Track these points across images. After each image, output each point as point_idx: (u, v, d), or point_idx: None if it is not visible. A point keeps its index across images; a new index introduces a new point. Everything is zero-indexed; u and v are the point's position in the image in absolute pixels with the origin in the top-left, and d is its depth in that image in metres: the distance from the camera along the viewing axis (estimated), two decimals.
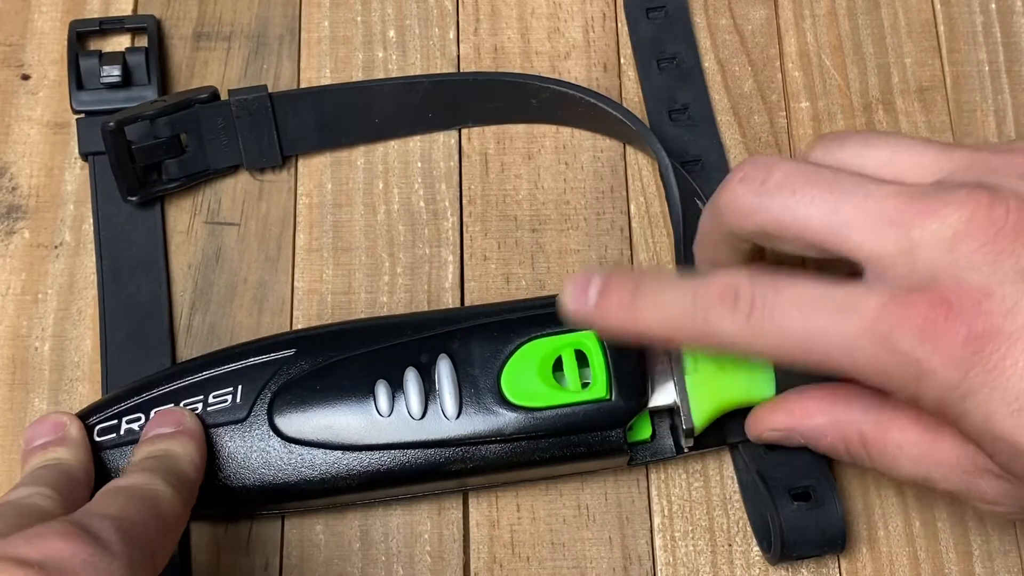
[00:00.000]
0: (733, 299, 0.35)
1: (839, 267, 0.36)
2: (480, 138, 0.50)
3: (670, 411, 0.43)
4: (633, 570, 0.44)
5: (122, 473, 0.40)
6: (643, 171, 0.49)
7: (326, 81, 0.51)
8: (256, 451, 0.41)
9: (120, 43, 0.51)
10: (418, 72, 0.51)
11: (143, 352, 0.46)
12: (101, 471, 0.41)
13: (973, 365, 0.31)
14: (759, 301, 0.35)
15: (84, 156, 0.49)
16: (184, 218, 0.49)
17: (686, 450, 0.43)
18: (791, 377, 0.41)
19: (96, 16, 0.51)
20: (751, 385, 0.42)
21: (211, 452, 0.41)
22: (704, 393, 0.42)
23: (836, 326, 0.33)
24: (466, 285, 0.48)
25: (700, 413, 0.42)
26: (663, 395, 0.42)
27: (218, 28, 0.52)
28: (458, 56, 0.51)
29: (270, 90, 0.48)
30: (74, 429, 0.41)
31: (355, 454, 0.41)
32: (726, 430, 0.43)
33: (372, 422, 0.41)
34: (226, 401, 0.41)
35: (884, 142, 0.36)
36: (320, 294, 0.47)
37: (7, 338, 0.47)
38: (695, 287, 0.36)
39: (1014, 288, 0.31)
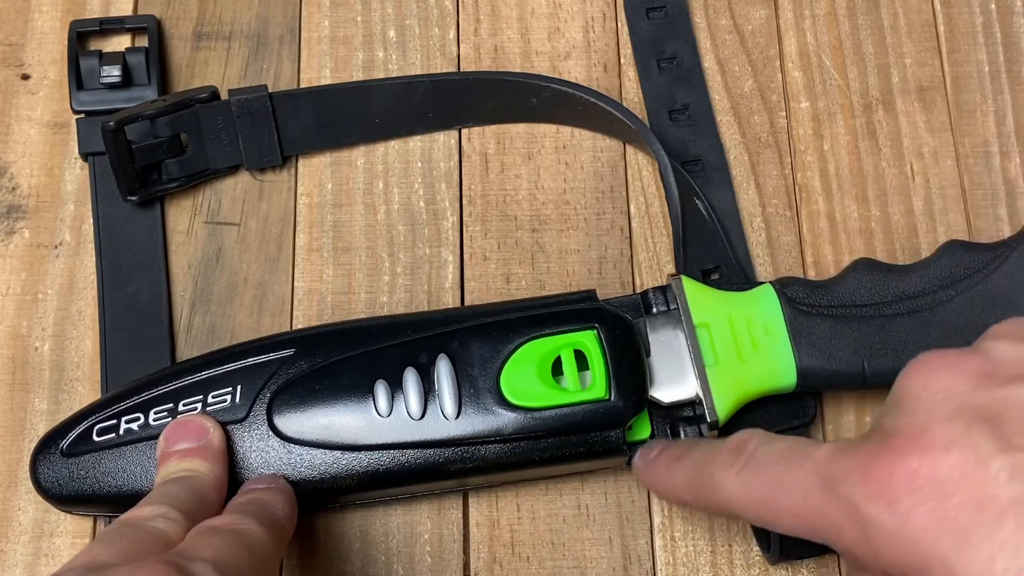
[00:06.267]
0: (737, 453, 0.36)
1: None
2: (480, 138, 0.50)
3: (691, 404, 0.42)
4: (633, 570, 0.44)
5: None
6: (643, 171, 0.49)
7: (326, 81, 0.51)
8: (255, 451, 0.41)
9: (120, 43, 0.51)
10: (418, 72, 0.51)
11: (143, 352, 0.46)
12: (100, 471, 0.41)
13: (912, 506, 0.30)
14: (751, 454, 0.35)
15: (84, 156, 0.49)
16: (184, 218, 0.49)
17: None
18: (814, 361, 0.42)
19: (96, 16, 0.51)
20: (773, 374, 0.42)
21: None
22: (726, 385, 0.42)
23: (791, 473, 0.33)
24: (466, 285, 0.48)
25: (723, 405, 0.42)
26: (684, 388, 0.42)
27: (218, 28, 0.52)
28: (458, 56, 0.51)
29: (270, 90, 0.48)
30: (216, 438, 0.40)
31: (354, 454, 0.41)
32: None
33: (371, 422, 0.41)
34: (225, 401, 0.41)
35: None
36: (320, 294, 0.47)
37: (7, 338, 0.47)
38: (716, 444, 0.37)
39: (950, 426, 0.31)
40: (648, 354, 0.42)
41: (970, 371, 0.32)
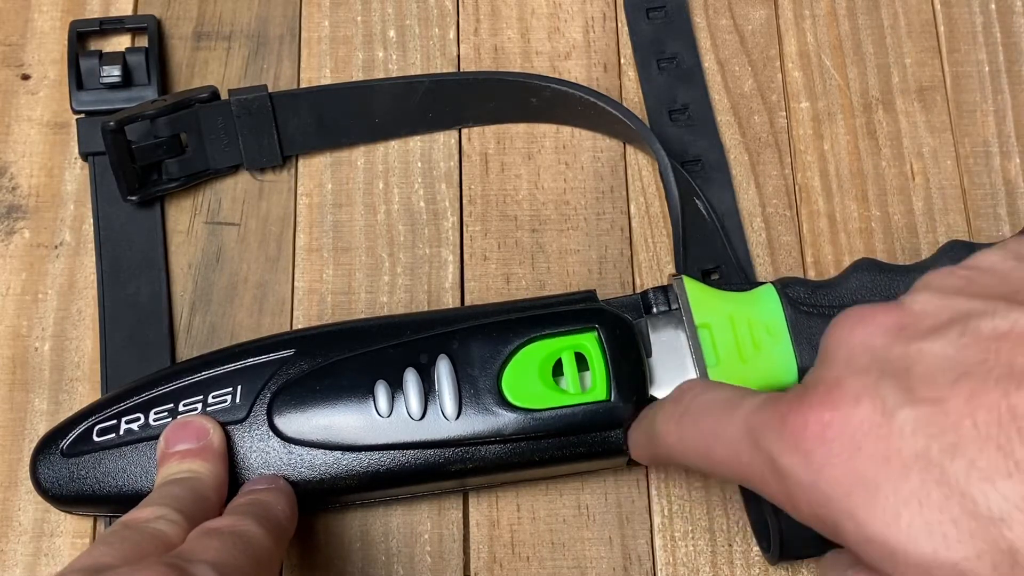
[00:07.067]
0: (677, 402, 0.36)
1: None
2: (480, 138, 0.50)
3: None
4: (633, 570, 0.44)
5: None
6: (643, 171, 0.49)
7: (326, 81, 0.51)
8: (255, 451, 0.41)
9: (120, 43, 0.51)
10: (418, 72, 0.51)
11: (143, 352, 0.46)
12: (100, 471, 0.41)
13: (825, 459, 0.30)
14: (688, 404, 0.35)
15: (84, 156, 0.49)
16: (184, 218, 0.49)
17: None
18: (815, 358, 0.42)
19: (96, 16, 0.51)
20: (774, 374, 0.42)
21: None
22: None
23: (723, 424, 0.33)
24: (466, 285, 0.48)
25: None
26: None
27: (218, 28, 0.52)
28: (458, 56, 0.51)
29: (270, 90, 0.48)
30: (216, 439, 0.40)
31: (355, 454, 0.41)
32: None
33: (372, 422, 0.41)
34: (225, 401, 0.41)
35: None
36: (320, 294, 0.47)
37: (7, 338, 0.47)
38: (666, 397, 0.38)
39: (861, 379, 0.30)
40: (649, 354, 0.42)
41: (887, 324, 0.31)
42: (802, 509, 0.31)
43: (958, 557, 0.27)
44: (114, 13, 0.51)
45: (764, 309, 0.43)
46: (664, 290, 0.44)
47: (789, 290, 0.43)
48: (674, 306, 0.43)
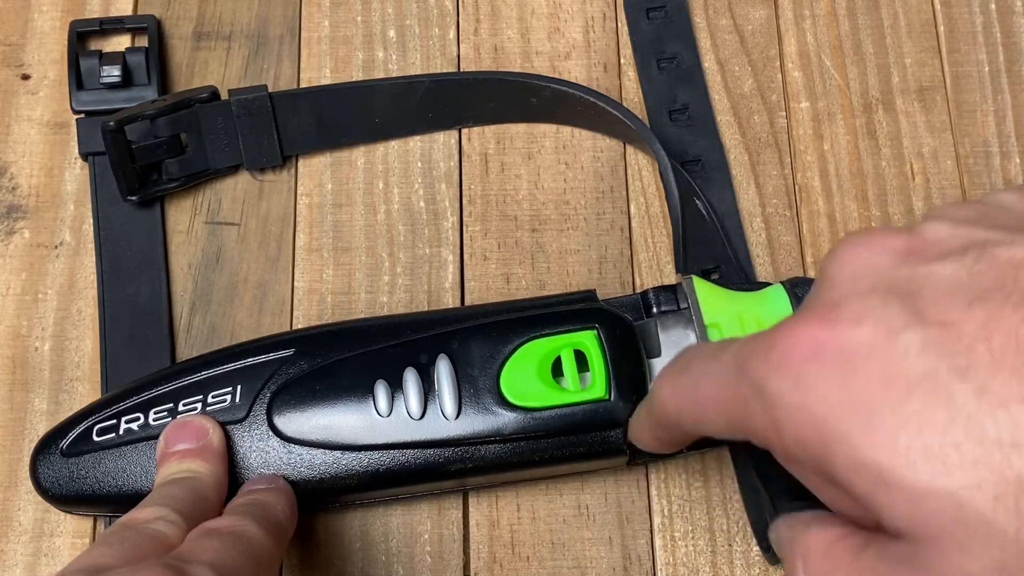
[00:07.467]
0: (675, 361, 0.35)
1: None
2: (480, 138, 0.50)
3: None
4: (633, 570, 0.44)
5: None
6: (643, 171, 0.49)
7: (326, 81, 0.51)
8: (255, 451, 0.41)
9: (120, 43, 0.51)
10: (418, 72, 0.51)
11: (143, 352, 0.46)
12: (100, 471, 0.41)
13: (816, 380, 0.28)
14: (688, 359, 0.34)
15: (84, 156, 0.49)
16: (184, 218, 0.49)
17: (684, 449, 0.43)
18: None
19: (96, 16, 0.51)
20: None
21: None
22: None
23: (713, 363, 0.32)
24: (466, 285, 0.48)
25: None
26: None
27: (218, 28, 0.52)
28: (458, 56, 0.51)
29: (270, 90, 0.48)
30: (216, 439, 0.40)
31: (354, 454, 0.41)
32: None
33: (371, 422, 0.41)
34: (225, 401, 0.41)
35: None
36: (320, 294, 0.47)
37: (7, 338, 0.47)
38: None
39: (864, 300, 0.28)
40: (659, 354, 0.42)
41: (894, 247, 0.29)
42: (787, 437, 0.29)
43: (956, 485, 0.25)
44: (114, 13, 0.51)
45: (774, 309, 0.43)
46: (672, 289, 0.44)
47: (798, 290, 0.43)
48: (683, 305, 0.43)
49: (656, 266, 0.48)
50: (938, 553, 0.26)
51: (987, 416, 0.26)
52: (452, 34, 0.52)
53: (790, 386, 0.28)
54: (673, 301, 0.43)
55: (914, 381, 0.27)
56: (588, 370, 0.41)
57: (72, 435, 0.42)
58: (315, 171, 0.49)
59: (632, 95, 0.51)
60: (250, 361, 0.42)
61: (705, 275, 0.46)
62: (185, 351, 0.47)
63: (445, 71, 0.51)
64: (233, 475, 0.41)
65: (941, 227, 0.30)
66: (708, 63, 0.51)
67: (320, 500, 0.42)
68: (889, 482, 0.26)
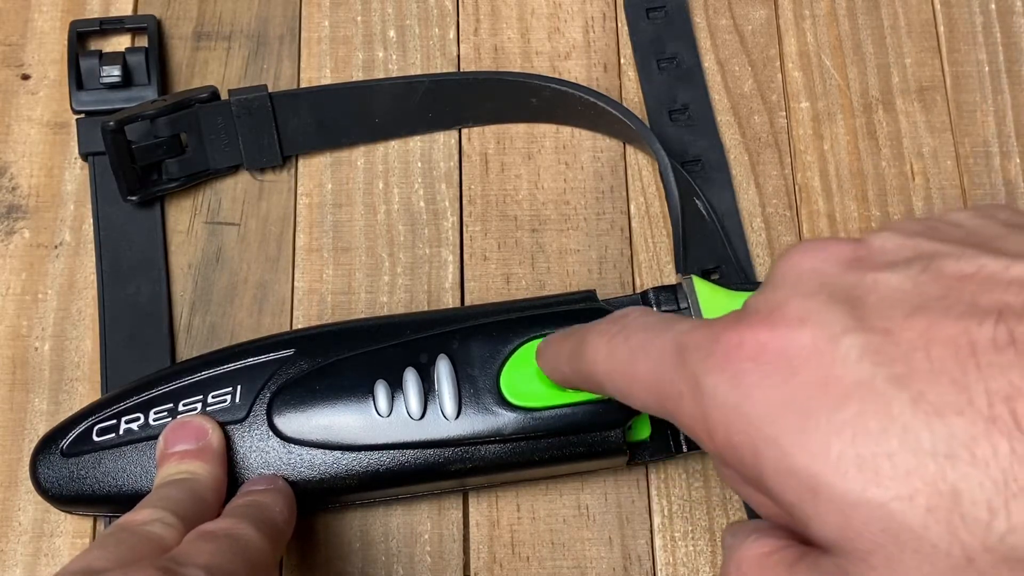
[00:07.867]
0: (613, 321, 0.34)
1: None
2: (480, 138, 0.50)
3: None
4: (633, 570, 0.44)
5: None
6: (643, 171, 0.49)
7: (326, 81, 0.51)
8: (255, 451, 0.41)
9: (120, 43, 0.51)
10: (418, 72, 0.51)
11: (143, 352, 0.46)
12: (100, 471, 0.41)
13: (755, 381, 0.27)
14: (626, 324, 0.33)
15: (84, 156, 0.49)
16: (184, 218, 0.49)
17: (685, 449, 0.43)
18: None
19: (96, 16, 0.51)
20: None
21: None
22: None
23: (653, 340, 0.31)
24: (466, 285, 0.48)
25: None
26: None
27: (218, 28, 0.52)
28: (458, 56, 0.51)
29: (270, 90, 0.48)
30: (215, 440, 0.40)
31: (354, 454, 0.41)
32: None
33: (371, 422, 0.41)
34: (225, 401, 0.41)
35: None
36: (320, 294, 0.47)
37: (7, 338, 0.47)
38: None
39: (807, 302, 0.28)
40: None
41: (843, 254, 0.29)
42: (718, 436, 0.28)
43: (887, 496, 0.25)
44: (114, 13, 0.51)
45: None
46: (672, 289, 0.44)
47: None
48: (683, 305, 0.43)
49: (656, 266, 0.48)
50: (868, 568, 0.25)
51: (922, 426, 0.25)
52: (452, 34, 0.52)
53: (728, 386, 0.28)
54: (673, 301, 0.43)
55: (851, 387, 0.26)
56: None
57: (72, 435, 0.42)
58: (315, 171, 0.49)
59: (632, 95, 0.51)
60: (250, 361, 0.42)
61: (705, 275, 0.46)
62: (185, 351, 0.47)
63: (445, 71, 0.51)
64: (233, 475, 0.41)
65: (891, 238, 0.30)
66: (708, 63, 0.51)
67: (320, 500, 0.42)
68: (818, 491, 0.26)
